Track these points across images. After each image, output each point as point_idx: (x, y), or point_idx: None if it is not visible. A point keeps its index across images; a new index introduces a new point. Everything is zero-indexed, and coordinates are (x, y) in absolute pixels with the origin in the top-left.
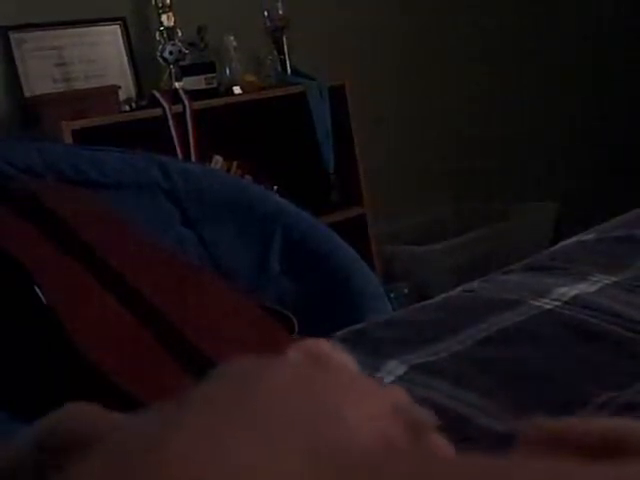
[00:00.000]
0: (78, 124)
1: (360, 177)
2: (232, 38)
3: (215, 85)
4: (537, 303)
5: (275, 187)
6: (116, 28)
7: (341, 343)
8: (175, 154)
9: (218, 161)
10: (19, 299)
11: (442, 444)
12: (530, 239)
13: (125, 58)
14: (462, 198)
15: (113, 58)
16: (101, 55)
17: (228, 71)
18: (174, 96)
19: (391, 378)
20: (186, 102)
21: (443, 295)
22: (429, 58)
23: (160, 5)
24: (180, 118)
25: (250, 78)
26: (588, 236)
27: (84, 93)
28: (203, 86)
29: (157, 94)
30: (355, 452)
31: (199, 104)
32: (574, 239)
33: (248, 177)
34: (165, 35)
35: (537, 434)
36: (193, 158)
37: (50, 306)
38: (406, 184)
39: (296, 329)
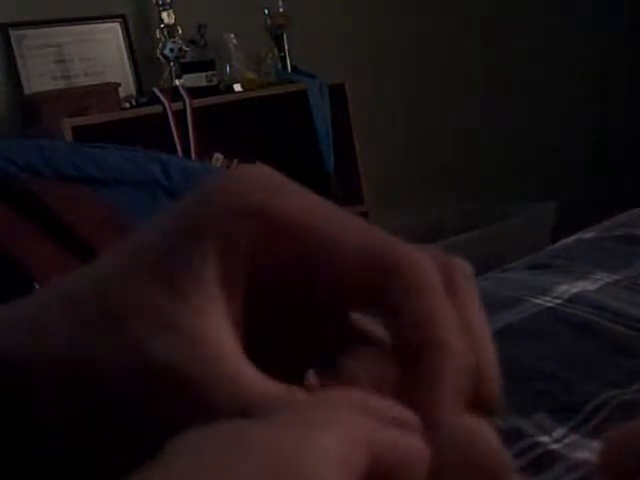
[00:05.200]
0: (78, 121)
1: (360, 176)
2: (232, 36)
3: (215, 83)
4: (537, 301)
5: None
6: (116, 25)
7: None
8: (175, 152)
9: (218, 159)
10: (19, 298)
11: None
12: (529, 239)
13: (125, 55)
14: (462, 198)
15: (113, 55)
16: (101, 52)
17: (228, 69)
18: (174, 93)
19: None
20: (186, 99)
21: None
22: (429, 57)
23: (160, 2)
24: (180, 115)
25: (250, 76)
26: (588, 234)
27: (84, 90)
28: (203, 83)
29: (157, 91)
30: None
31: (199, 102)
32: (575, 237)
33: None
34: (165, 32)
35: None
36: (193, 156)
37: None
38: (406, 183)
39: None
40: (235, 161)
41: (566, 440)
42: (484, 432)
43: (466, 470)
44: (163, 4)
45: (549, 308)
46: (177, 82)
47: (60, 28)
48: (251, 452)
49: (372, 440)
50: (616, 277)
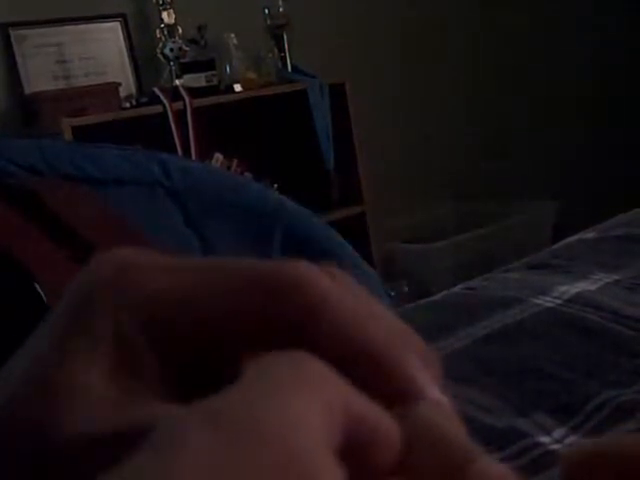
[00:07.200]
0: (78, 121)
1: (360, 175)
2: (233, 35)
3: (215, 82)
4: (538, 301)
5: (275, 185)
6: (117, 25)
7: None
8: (175, 151)
9: (218, 159)
10: (19, 298)
11: None
12: (530, 238)
13: (126, 55)
14: (462, 197)
15: (113, 55)
16: (101, 52)
17: (228, 68)
18: (174, 93)
19: None
20: (186, 99)
21: (443, 293)
22: (429, 57)
23: (161, 2)
24: (180, 115)
25: (251, 76)
26: (589, 235)
27: (84, 90)
28: (203, 83)
29: (157, 91)
30: None
31: (199, 101)
32: (575, 237)
33: (248, 175)
34: (165, 32)
35: (582, 459)
36: (193, 156)
37: (51, 305)
38: (406, 183)
39: None
40: (235, 161)
41: (566, 440)
42: (448, 417)
43: (432, 455)
44: (163, 4)
45: (549, 308)
46: (177, 82)
47: (60, 28)
48: (236, 436)
49: (349, 410)
50: (616, 277)
